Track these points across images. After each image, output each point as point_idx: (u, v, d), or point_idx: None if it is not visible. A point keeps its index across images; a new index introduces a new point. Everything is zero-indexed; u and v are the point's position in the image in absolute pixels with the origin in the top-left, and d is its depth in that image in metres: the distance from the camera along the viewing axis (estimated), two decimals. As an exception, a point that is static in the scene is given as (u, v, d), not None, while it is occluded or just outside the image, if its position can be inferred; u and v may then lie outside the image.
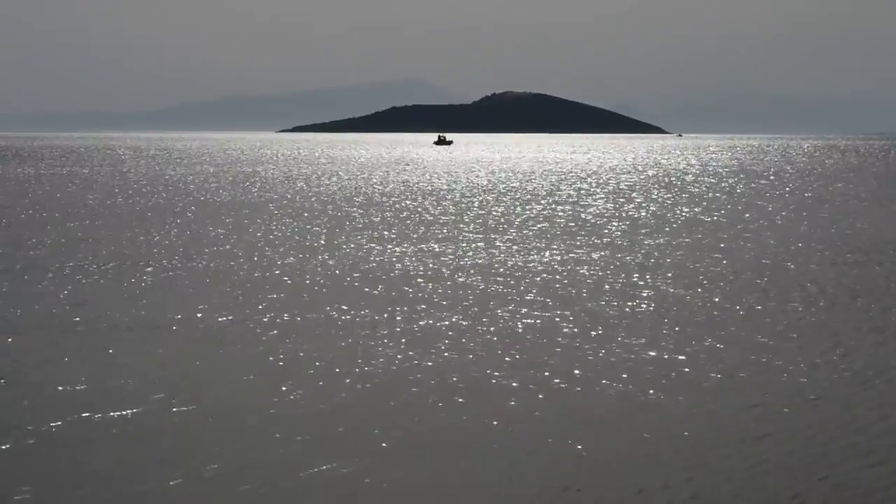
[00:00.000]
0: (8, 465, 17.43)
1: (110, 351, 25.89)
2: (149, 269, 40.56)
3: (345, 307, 32.15)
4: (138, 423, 19.71)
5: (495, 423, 19.90)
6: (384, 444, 18.59)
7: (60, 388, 22.21)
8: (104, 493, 16.18)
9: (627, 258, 44.50)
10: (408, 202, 78.56)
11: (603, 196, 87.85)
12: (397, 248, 47.66)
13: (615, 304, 32.95)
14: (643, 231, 56.94)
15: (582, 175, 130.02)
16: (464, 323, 29.61)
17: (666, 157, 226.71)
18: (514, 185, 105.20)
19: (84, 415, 20.17)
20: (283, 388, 22.28)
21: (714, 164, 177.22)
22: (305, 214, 67.11)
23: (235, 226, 58.90)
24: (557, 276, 38.81)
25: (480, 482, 16.79)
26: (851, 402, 21.63)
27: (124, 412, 20.36)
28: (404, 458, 17.93)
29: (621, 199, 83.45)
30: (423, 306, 32.37)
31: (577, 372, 23.88)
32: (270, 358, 25.17)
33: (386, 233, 55.01)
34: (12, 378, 23.06)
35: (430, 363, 24.74)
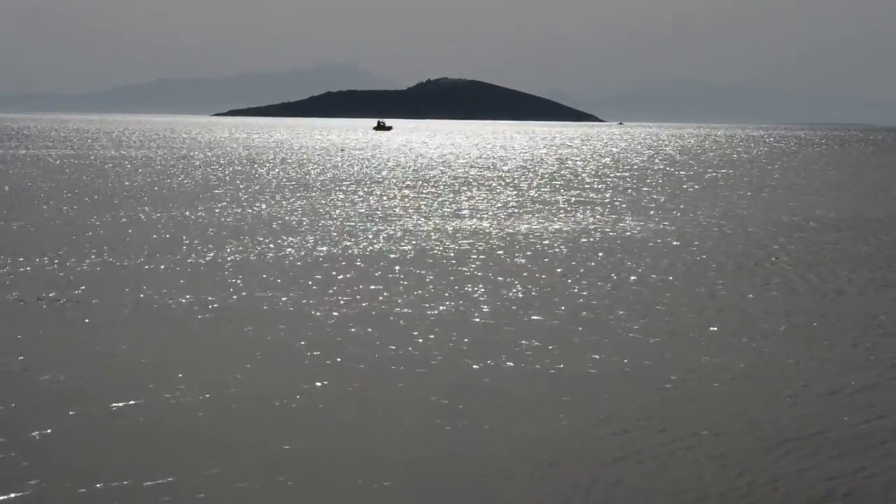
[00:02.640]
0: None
1: (92, 339, 24.69)
2: (129, 255, 39.30)
3: (319, 291, 31.50)
4: (129, 415, 18.72)
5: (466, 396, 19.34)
6: (373, 424, 18.41)
7: (45, 378, 21.01)
8: (101, 489, 15.27)
9: (606, 242, 44.20)
10: (393, 189, 77.77)
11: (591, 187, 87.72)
12: (372, 231, 46.84)
13: (590, 288, 32.53)
14: (615, 215, 56.80)
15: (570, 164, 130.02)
16: (439, 305, 28.98)
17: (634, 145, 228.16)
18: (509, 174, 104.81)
19: (74, 408, 19.04)
20: (270, 372, 21.78)
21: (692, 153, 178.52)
22: (278, 197, 66.06)
23: (207, 211, 57.57)
24: (532, 256, 38.31)
25: (459, 462, 16.47)
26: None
27: (116, 403, 19.30)
28: (393, 435, 17.87)
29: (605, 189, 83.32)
30: (394, 289, 31.80)
31: (552, 347, 23.30)
32: (250, 343, 24.31)
33: (362, 214, 54.16)
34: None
35: (404, 345, 24.50)
